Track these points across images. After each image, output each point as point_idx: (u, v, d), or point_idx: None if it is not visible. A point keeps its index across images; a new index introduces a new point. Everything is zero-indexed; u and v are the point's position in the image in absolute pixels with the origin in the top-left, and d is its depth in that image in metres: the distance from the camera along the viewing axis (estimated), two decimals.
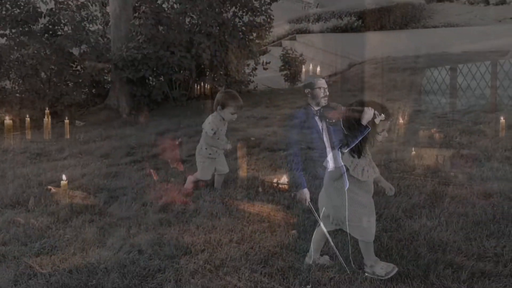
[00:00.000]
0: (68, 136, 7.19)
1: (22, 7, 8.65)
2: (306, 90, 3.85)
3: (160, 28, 9.26)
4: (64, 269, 3.32)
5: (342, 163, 3.21)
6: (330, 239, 3.30)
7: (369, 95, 9.03)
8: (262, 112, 8.29)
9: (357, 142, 3.14)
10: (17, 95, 8.17)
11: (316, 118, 3.71)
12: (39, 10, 8.98)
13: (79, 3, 9.82)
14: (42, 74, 8.61)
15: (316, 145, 3.70)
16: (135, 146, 6.45)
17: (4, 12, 8.46)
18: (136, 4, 9.42)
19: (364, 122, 3.05)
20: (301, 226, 3.88)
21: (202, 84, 9.71)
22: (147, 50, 8.66)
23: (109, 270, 3.26)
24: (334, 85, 10.81)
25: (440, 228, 3.66)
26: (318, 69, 8.00)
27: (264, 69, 10.96)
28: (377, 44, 14.62)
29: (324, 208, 3.35)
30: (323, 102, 3.75)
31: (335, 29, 17.43)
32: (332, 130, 3.64)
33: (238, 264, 3.26)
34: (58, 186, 4.70)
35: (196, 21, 9.69)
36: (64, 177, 4.52)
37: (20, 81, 8.44)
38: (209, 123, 4.62)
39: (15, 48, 8.28)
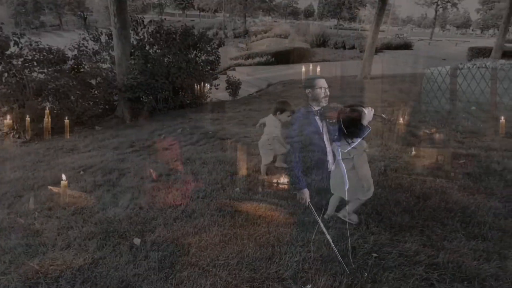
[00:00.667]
0: (68, 136, 6.85)
1: (54, 53, 7.98)
2: (307, 90, 2.73)
3: (148, 65, 8.87)
4: (92, 222, 3.15)
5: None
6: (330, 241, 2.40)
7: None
8: (215, 116, 8.17)
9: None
10: (54, 111, 7.54)
11: (317, 118, 2.72)
12: (66, 55, 8.35)
13: (94, 51, 9.23)
14: (72, 97, 8.03)
15: (315, 144, 2.73)
16: (135, 140, 6.16)
17: (42, 57, 7.78)
18: (132, 50, 8.94)
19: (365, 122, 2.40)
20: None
21: (177, 99, 9.37)
22: (140, 79, 8.28)
23: (121, 221, 3.12)
24: (260, 97, 10.87)
25: None
26: (318, 69, 7.13)
27: (216, 88, 10.80)
28: (284, 72, 14.79)
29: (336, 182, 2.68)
30: (324, 102, 2.70)
31: (259, 63, 17.43)
32: (332, 130, 2.74)
33: (203, 211, 3.21)
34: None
35: (171, 60, 9.36)
36: (64, 177, 3.64)
37: (57, 103, 7.83)
38: (275, 127, 3.71)
39: (51, 80, 7.63)
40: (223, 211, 3.15)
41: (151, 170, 4.22)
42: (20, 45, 7.55)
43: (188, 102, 9.53)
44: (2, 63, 7.24)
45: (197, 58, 10.03)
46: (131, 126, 7.91)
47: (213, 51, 10.40)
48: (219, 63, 10.92)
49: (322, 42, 22.59)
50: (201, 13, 51.58)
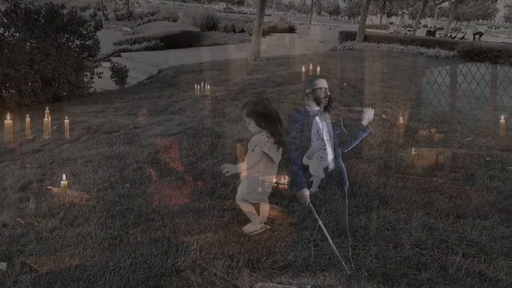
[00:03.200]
0: None
1: None
2: (307, 90, 2.63)
3: (4, 51, 7.31)
4: None
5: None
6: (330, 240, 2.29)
7: (172, 89, 8.74)
8: (100, 107, 7.34)
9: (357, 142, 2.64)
10: None
11: (317, 118, 2.64)
12: None
13: None
14: None
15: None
16: None
17: None
18: None
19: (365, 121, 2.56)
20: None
21: (49, 91, 8.06)
22: None
23: None
24: (151, 84, 10.20)
25: None
26: (318, 69, 6.91)
27: (99, 77, 9.66)
28: (174, 57, 14.19)
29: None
30: (324, 102, 2.62)
31: (147, 48, 16.28)
32: (332, 130, 2.69)
33: (87, 216, 2.85)
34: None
35: (35, 45, 7.91)
36: (64, 177, 3.21)
37: None
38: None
39: None
40: (112, 211, 2.86)
41: (151, 170, 3.52)
42: None
43: (64, 94, 8.31)
44: None
45: (70, 43, 8.74)
46: None
47: (90, 34, 9.20)
48: (99, 49, 9.76)
49: (212, 25, 22.37)
50: None
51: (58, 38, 8.40)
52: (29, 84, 7.42)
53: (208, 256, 2.28)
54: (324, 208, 2.63)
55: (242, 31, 20.93)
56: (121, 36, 20.16)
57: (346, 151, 2.72)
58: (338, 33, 19.08)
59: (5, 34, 7.80)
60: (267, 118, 2.26)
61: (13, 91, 7.39)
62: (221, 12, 36.81)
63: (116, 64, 10.69)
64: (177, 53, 15.33)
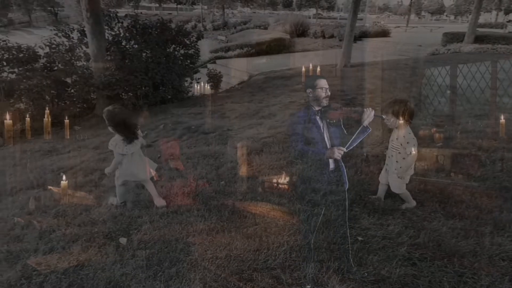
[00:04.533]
0: (68, 136, 6.56)
1: (24, 52, 7.66)
2: (308, 90, 2.68)
3: (126, 61, 8.66)
4: (75, 224, 3.07)
5: None
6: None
7: (262, 94, 9.11)
8: (198, 110, 8.08)
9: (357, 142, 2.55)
10: (29, 112, 7.29)
11: (317, 118, 2.67)
12: (37, 53, 8.03)
13: (67, 48, 8.90)
14: (46, 97, 7.76)
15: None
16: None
17: (11, 56, 7.45)
18: (107, 46, 8.68)
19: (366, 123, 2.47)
20: None
21: (157, 95, 9.22)
22: (118, 76, 8.07)
23: (106, 221, 3.06)
24: (243, 88, 10.81)
25: None
26: (318, 69, 7.34)
27: (197, 83, 10.67)
28: (264, 63, 14.75)
29: None
30: (325, 102, 2.65)
31: (239, 55, 17.29)
32: (332, 130, 2.71)
33: (188, 207, 3.19)
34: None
35: (149, 55, 9.17)
36: (64, 177, 3.64)
37: (31, 103, 7.54)
38: None
39: (23, 80, 7.35)
40: (209, 205, 3.14)
41: (152, 170, 4.16)
42: None
43: (169, 97, 9.39)
44: None
45: (176, 52, 9.87)
46: None
47: (192, 44, 10.25)
48: (199, 57, 10.78)
49: (301, 32, 22.57)
50: (178, 6, 50.51)
51: (167, 48, 9.58)
52: (143, 88, 8.61)
53: (298, 259, 2.33)
54: (324, 208, 2.61)
55: (332, 36, 20.61)
56: (216, 44, 21.83)
57: (346, 150, 2.57)
58: (441, 35, 17.27)
59: (127, 46, 9.25)
60: None
61: (131, 95, 8.69)
62: (310, 18, 36.85)
63: (212, 71, 11.65)
64: (267, 60, 15.90)
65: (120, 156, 3.04)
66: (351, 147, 2.55)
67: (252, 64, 14.92)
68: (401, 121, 2.62)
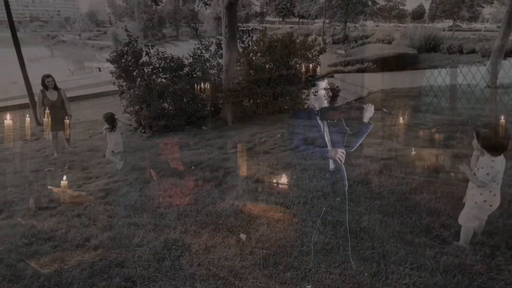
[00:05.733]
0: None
1: (175, 61, 9.16)
2: (312, 91, 2.82)
3: (251, 71, 9.44)
4: (204, 213, 3.51)
5: None
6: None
7: (381, 112, 8.62)
8: (313, 122, 8.15)
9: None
10: (171, 111, 8.69)
11: (318, 118, 2.76)
12: (183, 62, 9.49)
13: (205, 58, 10.24)
14: (185, 99, 9.08)
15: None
16: (237, 142, 6.60)
17: (166, 65, 8.99)
18: (238, 58, 9.65)
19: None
20: None
21: (275, 104, 9.73)
22: (243, 85, 8.88)
23: (228, 216, 3.40)
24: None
25: None
26: (318, 69, 7.32)
27: (314, 95, 10.77)
28: (385, 80, 13.93)
29: None
30: (325, 102, 2.78)
31: (358, 70, 16.77)
32: (332, 130, 2.78)
33: (304, 217, 3.26)
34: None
35: (272, 67, 9.76)
36: (64, 177, 3.85)
37: (172, 104, 8.95)
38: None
39: (171, 85, 8.78)
40: (324, 219, 3.16)
41: (151, 170, 4.64)
42: (149, 55, 8.90)
43: (286, 107, 9.79)
44: (137, 70, 8.64)
45: (297, 65, 10.23)
46: (233, 128, 8.52)
47: (314, 58, 10.45)
48: (319, 70, 10.92)
49: (432, 46, 20.45)
50: (300, 20, 52.25)
51: (290, 61, 10.02)
52: (264, 98, 9.23)
53: None
54: (324, 208, 2.75)
55: (473, 51, 18.02)
56: (335, 58, 21.69)
57: (352, 150, 2.57)
58: None
59: (253, 58, 10.06)
60: None
61: (252, 102, 9.42)
62: (445, 30, 33.05)
63: (330, 85, 11.65)
64: (389, 76, 14.99)
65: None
66: (357, 146, 2.55)
67: (371, 80, 14.29)
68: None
